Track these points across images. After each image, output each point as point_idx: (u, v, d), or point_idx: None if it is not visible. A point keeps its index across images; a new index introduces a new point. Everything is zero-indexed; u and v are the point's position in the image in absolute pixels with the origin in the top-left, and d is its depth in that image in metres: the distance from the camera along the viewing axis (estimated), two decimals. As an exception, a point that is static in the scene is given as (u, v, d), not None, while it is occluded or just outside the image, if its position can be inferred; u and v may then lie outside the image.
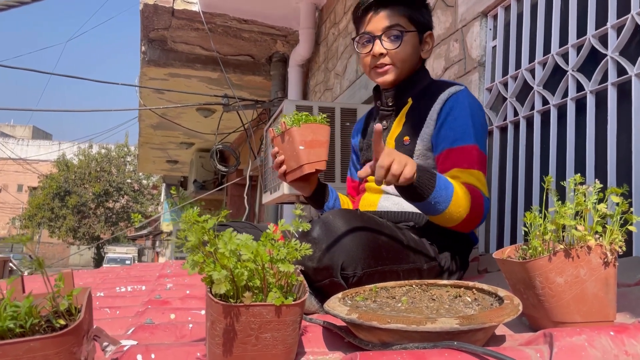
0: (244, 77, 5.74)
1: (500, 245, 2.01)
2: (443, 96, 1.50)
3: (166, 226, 15.61)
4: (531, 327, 0.95)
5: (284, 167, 1.45)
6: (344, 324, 0.94)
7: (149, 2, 4.59)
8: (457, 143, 1.44)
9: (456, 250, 1.49)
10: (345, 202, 1.72)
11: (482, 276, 1.60)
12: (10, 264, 8.87)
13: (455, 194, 1.29)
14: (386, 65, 1.55)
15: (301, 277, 0.75)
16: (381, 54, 1.54)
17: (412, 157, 1.50)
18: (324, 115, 1.44)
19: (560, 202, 0.91)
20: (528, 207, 1.89)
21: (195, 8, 4.66)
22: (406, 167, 1.16)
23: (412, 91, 1.58)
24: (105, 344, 0.78)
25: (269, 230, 0.72)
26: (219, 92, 5.77)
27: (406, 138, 1.53)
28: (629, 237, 1.37)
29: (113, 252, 28.39)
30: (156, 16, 4.84)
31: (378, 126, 1.15)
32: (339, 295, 0.91)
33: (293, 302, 0.70)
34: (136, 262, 27.02)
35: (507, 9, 2.13)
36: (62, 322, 0.68)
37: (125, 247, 29.87)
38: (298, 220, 0.75)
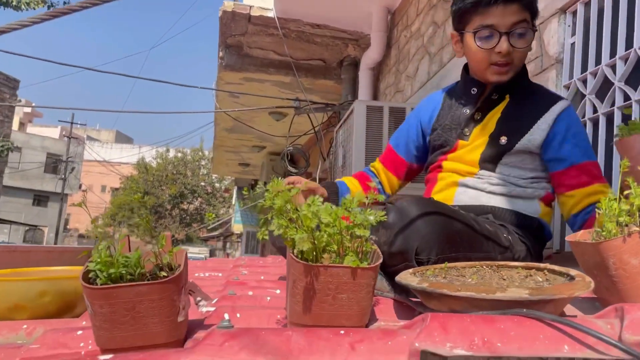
0: (315, 81, 5.86)
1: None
2: (556, 108, 1.47)
3: (237, 228, 16.11)
4: (604, 311, 0.95)
5: None
6: (414, 298, 0.98)
7: (228, 9, 4.82)
8: (587, 158, 1.48)
9: (531, 243, 1.48)
10: (353, 186, 1.72)
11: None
12: None
13: None
14: (508, 64, 1.47)
15: (375, 246, 0.81)
16: (508, 53, 1.44)
17: (504, 155, 1.49)
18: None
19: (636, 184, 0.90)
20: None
21: (271, 14, 4.84)
22: None
23: (512, 89, 1.53)
24: (198, 299, 0.87)
25: (347, 197, 0.78)
26: (290, 95, 5.93)
27: (503, 138, 1.49)
28: None
29: (186, 251, 29.57)
30: (234, 23, 5.06)
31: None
32: (410, 270, 0.95)
33: (367, 266, 0.76)
34: (207, 262, 27.95)
35: (587, 4, 2.09)
36: (165, 274, 0.77)
37: (198, 247, 31.06)
38: (368, 210, 0.79)
